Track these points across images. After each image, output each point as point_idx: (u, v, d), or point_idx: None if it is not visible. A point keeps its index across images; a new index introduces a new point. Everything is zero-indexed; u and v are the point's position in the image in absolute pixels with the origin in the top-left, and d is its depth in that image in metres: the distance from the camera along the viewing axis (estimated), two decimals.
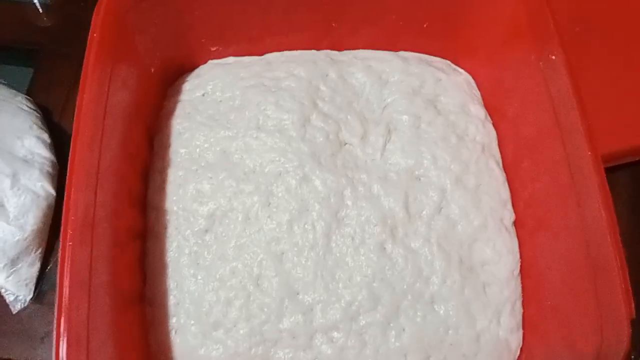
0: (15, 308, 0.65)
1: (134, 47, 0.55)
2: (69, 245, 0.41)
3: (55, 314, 0.40)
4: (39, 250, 0.66)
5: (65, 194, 0.44)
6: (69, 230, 0.42)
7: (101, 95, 0.49)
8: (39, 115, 0.71)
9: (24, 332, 0.64)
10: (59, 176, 0.69)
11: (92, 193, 0.45)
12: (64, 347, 0.38)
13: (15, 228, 0.63)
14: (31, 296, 0.65)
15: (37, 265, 0.66)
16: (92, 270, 0.43)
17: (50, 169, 0.68)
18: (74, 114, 0.74)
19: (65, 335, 0.38)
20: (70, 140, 0.71)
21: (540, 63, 0.52)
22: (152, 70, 0.59)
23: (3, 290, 0.65)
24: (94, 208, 0.45)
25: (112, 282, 0.47)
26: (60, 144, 0.71)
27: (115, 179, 0.50)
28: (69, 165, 0.45)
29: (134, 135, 0.55)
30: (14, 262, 0.63)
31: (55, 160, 0.69)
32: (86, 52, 0.50)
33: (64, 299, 0.39)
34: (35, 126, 0.70)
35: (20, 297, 0.65)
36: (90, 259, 0.43)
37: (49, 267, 0.67)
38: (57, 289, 0.40)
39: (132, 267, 0.53)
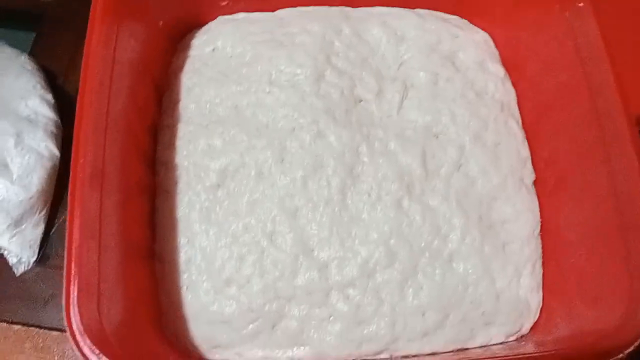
0: (19, 270, 0.63)
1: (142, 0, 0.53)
2: (79, 191, 0.40)
3: (65, 259, 0.38)
4: (43, 212, 0.64)
5: (74, 143, 0.42)
6: (79, 176, 0.40)
7: (108, 47, 0.47)
8: (42, 75, 0.70)
9: (27, 295, 0.62)
10: (63, 137, 0.67)
11: (100, 144, 0.44)
12: (75, 291, 0.36)
13: (19, 188, 0.61)
14: (35, 258, 0.63)
15: (41, 227, 0.64)
16: (102, 219, 0.41)
17: (54, 129, 0.66)
18: (77, 77, 0.72)
19: (75, 279, 0.37)
20: (74, 102, 0.70)
21: (566, 13, 0.50)
22: (160, 23, 0.57)
23: (6, 252, 0.63)
24: (103, 159, 0.43)
25: (122, 233, 0.45)
26: (64, 106, 0.69)
27: (123, 132, 0.48)
28: (76, 116, 0.43)
29: (141, 90, 0.54)
30: (17, 222, 0.62)
31: (59, 121, 0.67)
32: (92, 4, 0.48)
33: (74, 243, 0.37)
34: (38, 86, 0.68)
35: (24, 259, 0.63)
36: (99, 207, 0.41)
37: (53, 230, 0.65)
38: (67, 234, 0.38)
39: (141, 222, 0.51)
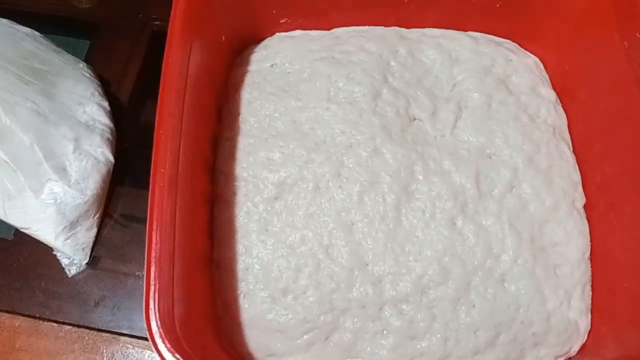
0: (71, 272, 0.65)
1: (213, 15, 0.55)
2: (158, 199, 0.41)
3: (145, 263, 0.39)
4: (97, 216, 0.66)
5: (154, 152, 0.44)
6: (158, 184, 0.42)
7: (184, 60, 0.49)
8: (98, 83, 0.72)
9: (78, 296, 0.64)
10: (117, 144, 0.69)
11: (176, 153, 0.45)
12: (155, 294, 0.38)
13: (76, 191, 0.63)
14: (87, 261, 0.65)
15: (94, 230, 0.66)
16: (176, 226, 0.43)
17: (110, 136, 0.68)
18: (129, 86, 0.75)
19: (156, 283, 0.38)
20: (126, 110, 0.72)
21: (625, 43, 0.51)
22: (223, 38, 0.59)
23: (59, 254, 0.65)
24: (177, 168, 0.45)
25: (189, 240, 0.47)
26: (117, 114, 0.71)
27: (192, 143, 0.50)
28: (156, 125, 0.45)
29: (205, 102, 0.56)
30: (72, 225, 0.64)
31: (114, 128, 0.69)
32: (171, 18, 0.50)
33: (153, 248, 0.39)
34: (96, 93, 0.70)
35: (76, 261, 0.65)
36: (174, 215, 0.43)
37: (104, 233, 0.67)
38: (147, 239, 0.40)
39: (203, 230, 0.52)
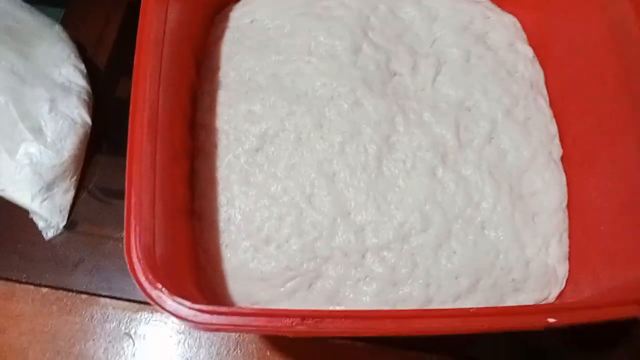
0: (48, 235, 0.64)
1: None
2: (138, 134, 0.41)
3: (126, 191, 0.39)
4: (74, 178, 0.65)
5: (132, 94, 0.43)
6: (138, 123, 0.41)
7: (162, 7, 0.48)
8: (74, 46, 0.71)
9: (56, 259, 0.63)
10: (94, 108, 0.68)
11: (155, 100, 0.44)
12: (137, 227, 0.37)
13: (52, 152, 0.62)
14: (64, 223, 0.64)
15: (72, 193, 0.65)
16: (156, 170, 0.42)
17: (86, 98, 0.67)
18: (106, 51, 0.74)
19: (138, 208, 0.38)
20: (103, 75, 0.71)
21: None
22: None
23: (35, 218, 0.64)
24: (157, 116, 0.44)
25: (170, 188, 0.46)
26: (94, 79, 0.70)
27: (171, 94, 0.49)
28: (134, 69, 0.44)
29: (184, 56, 0.55)
30: (49, 187, 0.63)
31: (90, 91, 0.68)
32: None
33: (134, 178, 0.38)
34: (72, 55, 0.69)
35: (53, 224, 0.64)
36: (154, 159, 0.42)
37: (82, 197, 0.66)
38: (127, 169, 0.39)
39: (183, 182, 0.52)
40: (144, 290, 0.37)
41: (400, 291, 0.51)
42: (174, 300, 0.37)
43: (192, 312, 0.37)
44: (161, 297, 0.37)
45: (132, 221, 0.38)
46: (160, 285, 0.36)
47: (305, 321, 0.36)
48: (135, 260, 0.37)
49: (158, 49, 0.46)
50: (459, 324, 0.36)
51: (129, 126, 0.42)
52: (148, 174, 0.41)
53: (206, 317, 0.37)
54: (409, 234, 0.52)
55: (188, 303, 0.36)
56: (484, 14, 0.62)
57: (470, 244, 0.52)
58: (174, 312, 0.37)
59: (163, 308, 0.36)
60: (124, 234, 0.38)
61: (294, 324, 0.36)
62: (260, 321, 0.37)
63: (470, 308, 0.38)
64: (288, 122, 0.55)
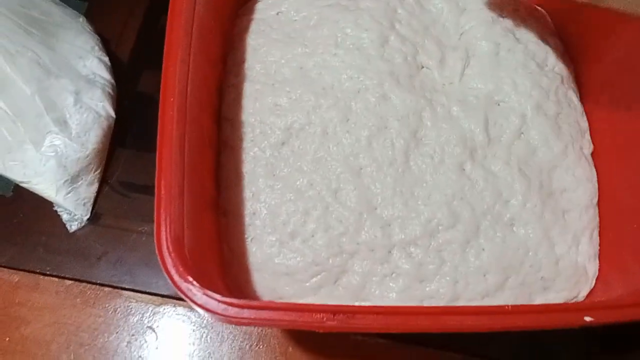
0: (72, 227, 0.64)
1: None
2: (168, 127, 0.40)
3: (156, 182, 0.39)
4: (98, 171, 0.65)
5: (162, 82, 0.43)
6: (168, 113, 0.41)
7: (190, 8, 0.48)
8: (99, 38, 0.71)
9: (80, 251, 0.63)
10: (117, 101, 0.68)
11: (184, 91, 0.44)
12: (167, 218, 0.37)
13: (77, 145, 0.62)
14: (88, 216, 0.64)
15: (95, 186, 0.65)
16: (185, 160, 0.42)
17: (110, 91, 0.67)
18: (129, 44, 0.74)
19: (168, 199, 0.37)
20: (126, 68, 0.71)
21: None
22: None
23: (59, 210, 0.64)
24: (186, 105, 0.44)
25: (198, 180, 0.46)
26: (117, 72, 0.70)
27: (200, 85, 0.49)
28: (164, 59, 0.44)
29: (212, 47, 0.55)
30: (74, 179, 0.63)
31: (114, 84, 0.68)
32: None
33: (164, 167, 0.38)
34: (97, 48, 0.69)
35: (77, 217, 0.64)
36: (184, 148, 0.42)
37: (105, 190, 0.66)
38: (157, 157, 0.39)
39: (210, 175, 0.52)
40: (174, 282, 0.36)
41: (427, 288, 0.50)
42: (204, 294, 0.36)
43: (222, 306, 0.36)
44: (191, 290, 0.36)
45: (163, 212, 0.37)
46: (190, 278, 0.36)
47: (336, 316, 0.36)
48: (165, 252, 0.36)
49: (188, 35, 0.46)
50: (494, 321, 0.35)
51: (159, 115, 0.41)
52: (178, 164, 0.40)
53: (236, 311, 0.36)
54: (436, 230, 0.51)
55: (218, 296, 0.36)
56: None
57: (498, 241, 0.51)
58: (203, 306, 0.36)
59: (193, 301, 0.36)
60: (154, 225, 0.37)
61: (325, 319, 0.36)
62: (291, 316, 0.36)
63: (506, 305, 0.37)
64: (314, 116, 0.54)
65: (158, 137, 0.40)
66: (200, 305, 0.36)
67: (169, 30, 0.44)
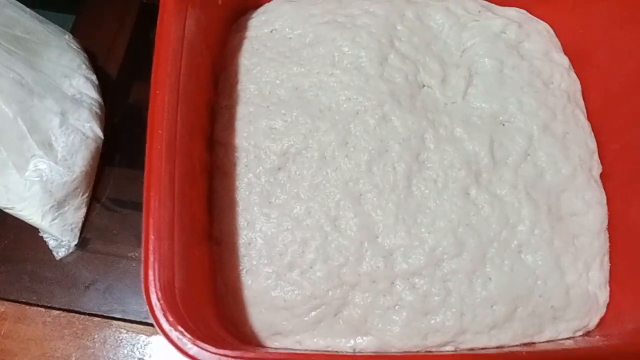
0: (59, 254, 0.61)
1: None
2: (156, 161, 0.38)
3: (143, 226, 0.36)
4: (86, 194, 0.63)
5: (149, 114, 0.40)
6: (155, 147, 0.38)
7: (180, 22, 0.45)
8: (85, 56, 0.68)
9: (68, 279, 0.60)
10: (107, 117, 0.65)
11: (174, 119, 0.41)
12: (155, 265, 0.34)
13: (63, 169, 0.59)
14: (76, 242, 0.62)
15: (83, 210, 0.63)
16: (175, 193, 0.39)
17: (98, 111, 0.64)
18: (117, 60, 0.71)
19: (155, 246, 0.35)
20: (114, 85, 0.68)
21: None
22: (220, 1, 0.55)
23: (46, 236, 0.61)
24: (176, 134, 0.41)
25: (187, 212, 0.43)
26: (105, 89, 0.67)
27: (190, 110, 0.46)
28: (151, 88, 0.41)
29: (202, 69, 0.52)
30: (60, 204, 0.60)
31: (102, 103, 0.66)
32: None
33: (151, 211, 0.35)
34: (83, 66, 0.66)
35: (65, 243, 0.61)
36: (173, 182, 0.39)
37: (93, 214, 0.63)
38: (144, 202, 0.37)
39: (200, 203, 0.49)
40: (164, 332, 0.34)
41: (432, 320, 0.48)
42: (194, 344, 0.34)
43: (216, 357, 0.34)
44: (182, 340, 0.34)
45: (151, 256, 0.35)
46: (181, 328, 0.33)
47: None
48: (154, 300, 0.34)
49: (177, 61, 0.43)
50: None
51: (147, 147, 0.39)
52: (167, 201, 0.38)
53: None
54: (441, 259, 0.49)
55: (212, 348, 0.33)
56: (517, 22, 0.58)
57: (506, 270, 0.49)
58: (195, 357, 0.34)
59: (184, 352, 0.34)
60: (142, 269, 0.35)
61: None
62: None
63: (522, 351, 0.34)
64: (311, 139, 0.51)
65: (145, 173, 0.38)
66: (191, 357, 0.34)
67: (156, 52, 0.42)
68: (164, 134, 0.38)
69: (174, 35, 0.43)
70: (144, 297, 0.34)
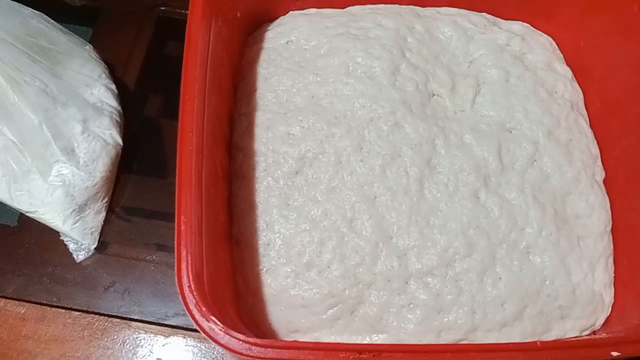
0: (79, 257, 0.63)
1: None
2: (186, 165, 0.40)
3: (175, 225, 0.38)
4: (106, 199, 0.64)
5: (180, 119, 0.42)
6: (186, 150, 0.40)
7: (206, 35, 0.48)
8: (105, 66, 0.70)
9: (87, 281, 0.62)
10: (125, 126, 0.67)
11: (201, 127, 0.44)
12: (189, 258, 0.36)
13: (84, 174, 0.61)
14: (95, 245, 0.63)
15: (103, 214, 0.64)
16: (203, 196, 0.41)
17: (118, 119, 0.67)
18: (135, 71, 0.73)
19: (189, 242, 0.37)
20: (132, 95, 0.70)
21: None
22: (238, 14, 0.58)
23: (66, 240, 0.63)
24: (203, 141, 0.43)
25: (212, 214, 0.45)
26: (123, 99, 0.69)
27: (213, 117, 0.49)
28: (181, 96, 0.44)
29: (223, 78, 0.55)
30: (81, 208, 0.62)
31: (121, 111, 0.68)
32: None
33: (183, 210, 0.37)
34: (104, 75, 0.68)
35: (84, 246, 0.63)
36: (201, 181, 0.41)
37: (112, 218, 0.65)
38: (176, 202, 0.39)
39: (223, 206, 0.51)
40: (197, 322, 0.36)
41: (445, 318, 0.50)
42: (226, 333, 0.36)
43: (246, 346, 0.35)
44: (214, 330, 0.36)
45: (184, 249, 0.37)
46: (213, 318, 0.35)
47: (362, 355, 0.35)
48: (187, 290, 0.36)
49: (203, 68, 0.46)
50: (524, 358, 0.35)
51: (178, 151, 0.41)
52: (197, 199, 0.40)
53: (260, 351, 0.36)
54: (453, 259, 0.51)
55: (241, 336, 0.35)
56: (520, 35, 0.61)
57: (515, 270, 0.51)
58: (226, 345, 0.35)
59: (216, 341, 0.35)
60: (175, 262, 0.37)
61: (350, 358, 0.35)
62: (316, 355, 0.35)
63: (536, 342, 0.36)
64: (327, 145, 0.54)
65: (177, 172, 0.40)
66: (223, 345, 0.35)
67: (185, 64, 0.44)
68: (194, 142, 0.41)
69: (201, 43, 0.45)
70: (177, 288, 0.36)
